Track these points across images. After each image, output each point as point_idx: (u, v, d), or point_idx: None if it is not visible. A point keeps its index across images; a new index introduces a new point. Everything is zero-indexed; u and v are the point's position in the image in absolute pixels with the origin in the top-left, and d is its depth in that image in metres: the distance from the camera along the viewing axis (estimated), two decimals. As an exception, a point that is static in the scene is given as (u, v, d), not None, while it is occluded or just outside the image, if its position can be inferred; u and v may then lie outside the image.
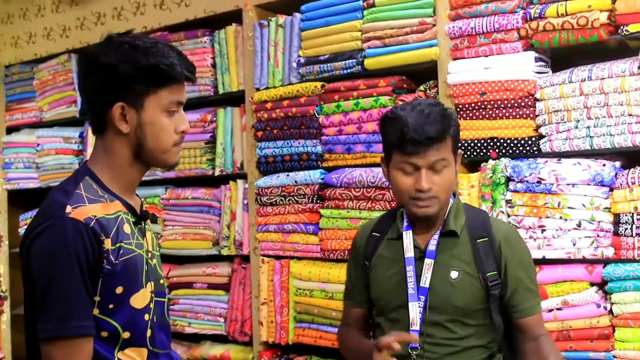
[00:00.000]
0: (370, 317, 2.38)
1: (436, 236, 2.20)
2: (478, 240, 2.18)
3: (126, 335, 1.77)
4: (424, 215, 2.15)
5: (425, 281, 2.15)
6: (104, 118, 1.80)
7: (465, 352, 2.16)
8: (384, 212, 2.52)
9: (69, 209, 1.70)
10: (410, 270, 2.17)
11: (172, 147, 1.84)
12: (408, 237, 2.21)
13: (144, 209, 1.92)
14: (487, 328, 2.19)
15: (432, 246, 2.18)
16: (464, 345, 2.16)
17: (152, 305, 1.84)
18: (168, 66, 1.78)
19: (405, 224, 2.24)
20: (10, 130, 4.91)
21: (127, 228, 1.79)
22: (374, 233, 2.33)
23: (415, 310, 2.15)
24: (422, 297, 2.15)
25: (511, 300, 2.18)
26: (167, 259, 3.94)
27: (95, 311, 1.73)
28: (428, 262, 2.17)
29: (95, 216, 1.72)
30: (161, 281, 1.93)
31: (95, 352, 1.73)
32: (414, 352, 2.12)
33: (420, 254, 2.19)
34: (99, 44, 1.81)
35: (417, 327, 2.14)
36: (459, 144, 2.37)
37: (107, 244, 1.72)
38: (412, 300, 2.15)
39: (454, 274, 2.16)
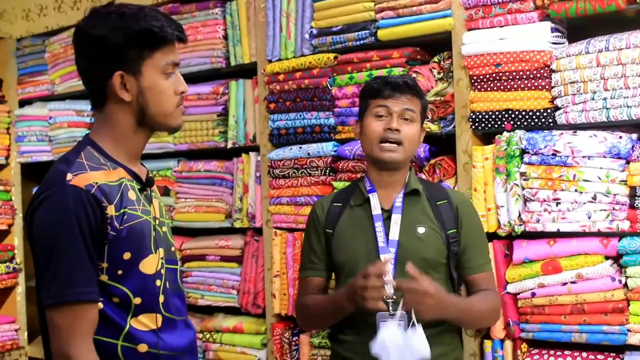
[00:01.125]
0: (328, 288, 2.51)
1: (401, 194, 2.38)
2: (438, 203, 2.40)
3: (137, 300, 1.78)
4: (390, 159, 2.33)
5: (394, 234, 2.32)
6: (104, 90, 1.81)
7: None
8: None
9: (69, 176, 1.72)
10: (379, 225, 2.34)
11: (174, 110, 1.86)
12: (374, 198, 2.38)
13: (149, 176, 1.93)
14: (446, 282, 2.37)
15: (398, 203, 2.37)
16: None
17: (163, 272, 1.85)
18: (159, 28, 1.79)
19: (368, 187, 2.41)
20: (22, 103, 4.90)
21: (132, 194, 1.81)
22: (334, 204, 2.47)
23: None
24: (392, 250, 2.31)
25: (464, 257, 2.38)
26: (179, 231, 3.95)
27: (104, 277, 1.75)
28: (395, 218, 2.34)
29: (96, 183, 1.73)
30: (172, 249, 1.95)
31: (108, 318, 1.75)
32: (390, 300, 2.20)
33: (387, 214, 2.36)
34: (86, 18, 1.82)
35: (390, 277, 2.23)
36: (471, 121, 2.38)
37: (110, 210, 1.73)
38: (383, 253, 2.30)
39: (421, 229, 2.34)
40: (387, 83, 2.38)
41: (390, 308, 2.20)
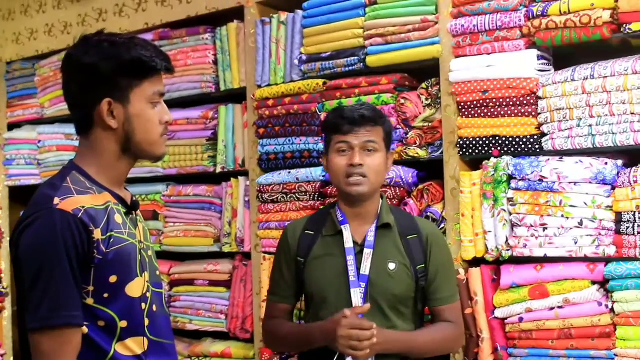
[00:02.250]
0: (293, 312, 2.57)
1: (373, 228, 2.41)
2: (408, 237, 2.43)
3: (123, 324, 1.78)
4: (356, 193, 2.36)
5: (366, 269, 2.35)
6: (90, 116, 1.83)
7: None
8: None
9: (57, 200, 1.73)
10: (351, 259, 2.37)
11: (159, 138, 1.89)
12: (347, 230, 2.41)
13: (134, 199, 1.95)
14: (414, 315, 2.43)
15: (370, 237, 2.40)
16: (399, 330, 2.36)
17: (149, 295, 1.86)
18: (149, 58, 1.83)
19: (340, 218, 2.44)
20: (11, 126, 4.90)
21: (118, 218, 1.82)
22: (307, 231, 2.48)
23: (357, 296, 2.33)
24: (363, 284, 2.34)
25: (431, 288, 2.43)
26: (168, 255, 3.94)
27: (90, 301, 1.75)
28: (367, 252, 2.37)
29: (83, 207, 1.74)
30: (157, 272, 1.96)
31: (92, 343, 1.75)
32: None
33: (359, 248, 2.39)
34: (77, 45, 1.85)
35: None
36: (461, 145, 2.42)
37: (97, 234, 1.74)
38: (353, 287, 2.34)
39: (391, 266, 2.38)
40: (345, 118, 2.40)
41: None
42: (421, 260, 2.41)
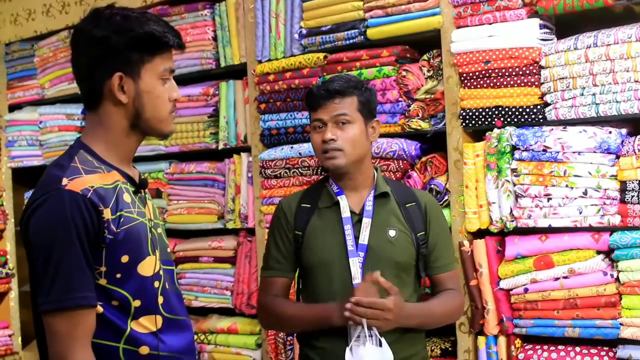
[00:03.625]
0: (290, 289, 2.53)
1: (371, 197, 2.39)
2: (407, 205, 2.42)
3: (137, 303, 1.77)
4: (333, 167, 2.35)
5: (364, 238, 2.34)
6: (100, 91, 1.80)
7: None
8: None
9: (65, 181, 1.71)
10: (348, 228, 2.35)
11: (168, 115, 1.87)
12: (343, 200, 2.39)
13: (142, 177, 1.93)
14: (415, 282, 2.42)
15: (368, 206, 2.38)
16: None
17: (161, 273, 1.85)
18: (161, 33, 1.80)
19: (336, 190, 2.42)
20: (12, 108, 4.89)
21: (127, 197, 1.80)
22: (302, 205, 2.46)
23: (356, 266, 2.32)
24: (361, 254, 2.33)
25: (431, 257, 2.42)
26: (172, 233, 3.94)
27: (103, 281, 1.74)
28: (366, 222, 2.36)
29: (92, 187, 1.72)
30: (167, 250, 1.95)
31: (108, 322, 1.75)
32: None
33: (357, 217, 2.37)
34: (88, 18, 1.82)
35: (359, 281, 2.29)
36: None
37: (107, 213, 1.72)
38: (352, 256, 2.33)
39: (392, 232, 2.36)
40: (313, 95, 2.39)
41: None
42: (421, 228, 2.40)
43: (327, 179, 2.47)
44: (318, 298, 2.37)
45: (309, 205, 2.44)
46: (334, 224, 2.37)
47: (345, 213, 2.36)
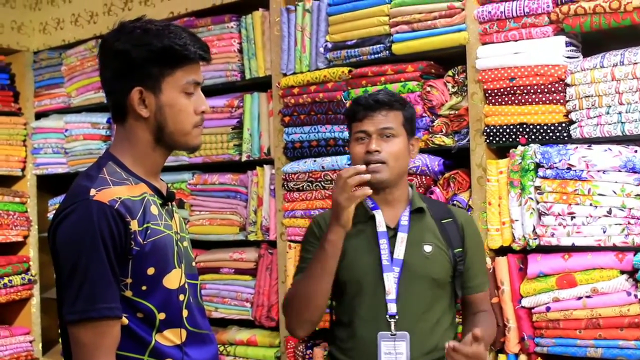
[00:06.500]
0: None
1: (406, 212, 2.35)
2: (443, 221, 2.37)
3: (162, 316, 1.77)
4: (375, 180, 2.26)
5: (399, 253, 2.28)
6: (124, 105, 1.81)
7: (437, 325, 2.28)
8: None
9: (93, 192, 1.71)
10: (383, 242, 2.30)
11: (192, 129, 1.85)
12: (379, 214, 2.34)
13: (170, 190, 1.92)
14: (451, 300, 2.36)
15: (404, 221, 2.33)
16: (436, 318, 2.28)
17: (186, 286, 1.84)
18: (181, 46, 1.78)
19: (371, 204, 2.36)
20: (39, 115, 4.95)
21: (154, 209, 1.80)
22: None
23: (390, 281, 2.26)
24: (397, 269, 2.27)
25: (467, 275, 2.37)
26: (194, 244, 3.87)
27: (129, 293, 1.74)
28: (401, 236, 2.31)
29: (120, 198, 1.72)
30: (193, 263, 1.95)
31: (133, 333, 1.75)
32: (392, 320, 2.22)
33: (392, 232, 2.32)
34: (113, 32, 1.83)
35: (394, 297, 2.24)
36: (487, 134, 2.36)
37: (134, 225, 1.72)
38: (386, 271, 2.27)
39: (427, 248, 2.31)
40: (360, 104, 2.35)
41: (392, 328, 2.21)
42: (458, 245, 2.34)
43: None
44: (352, 314, 2.30)
45: None
46: (369, 239, 2.33)
47: (381, 227, 2.32)
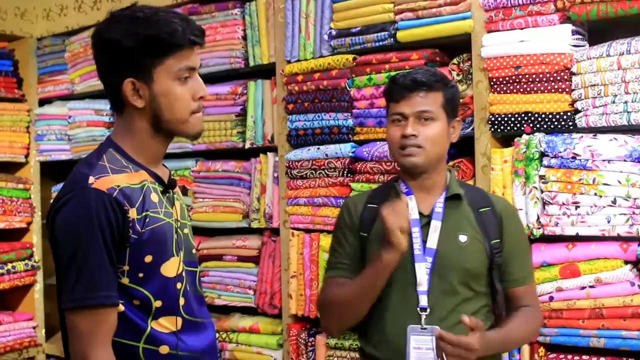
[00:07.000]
0: None
1: (441, 199, 2.23)
2: (480, 210, 2.24)
3: (158, 303, 1.78)
4: (410, 164, 2.19)
5: (433, 242, 2.17)
6: (119, 95, 1.79)
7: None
8: None
9: (91, 179, 1.71)
10: (415, 231, 2.18)
11: (189, 116, 1.81)
12: (412, 201, 2.22)
13: (172, 177, 1.91)
14: (487, 294, 2.24)
15: (438, 208, 2.21)
16: (469, 311, 2.15)
17: (184, 274, 1.84)
18: (169, 34, 1.74)
19: (404, 189, 2.26)
20: (42, 102, 4.93)
21: (154, 197, 1.79)
22: (369, 205, 2.30)
23: (422, 271, 2.15)
24: (429, 259, 2.16)
25: (506, 269, 2.24)
26: (197, 231, 3.93)
27: (125, 280, 1.74)
28: (435, 224, 2.19)
29: (118, 186, 1.72)
30: (193, 251, 1.94)
31: (129, 320, 1.75)
32: (423, 313, 2.13)
33: (426, 220, 2.21)
34: (104, 22, 1.80)
35: (425, 288, 2.15)
36: (492, 121, 2.34)
37: (132, 213, 1.72)
38: (418, 261, 2.16)
39: (462, 238, 2.19)
40: (397, 84, 2.23)
41: (423, 321, 2.12)
42: (496, 235, 2.21)
43: (397, 178, 2.33)
44: (380, 306, 2.19)
45: (375, 206, 2.25)
46: None
47: (414, 215, 2.19)
